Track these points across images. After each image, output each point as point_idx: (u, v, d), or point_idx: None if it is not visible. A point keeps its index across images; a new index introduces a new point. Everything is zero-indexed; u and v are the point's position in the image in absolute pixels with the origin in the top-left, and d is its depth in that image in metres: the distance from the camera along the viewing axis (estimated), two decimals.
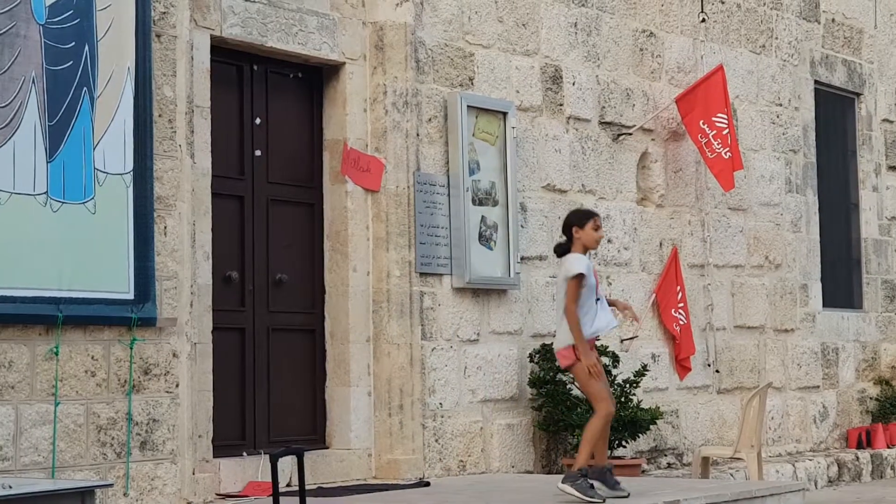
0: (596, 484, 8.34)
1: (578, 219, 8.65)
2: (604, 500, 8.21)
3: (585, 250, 8.58)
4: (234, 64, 9.67)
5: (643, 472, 11.18)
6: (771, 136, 13.80)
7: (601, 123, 11.93)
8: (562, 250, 8.66)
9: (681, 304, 12.31)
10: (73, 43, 8.11)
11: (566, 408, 10.66)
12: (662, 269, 12.33)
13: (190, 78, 8.84)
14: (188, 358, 8.62)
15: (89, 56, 8.19)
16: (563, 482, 8.31)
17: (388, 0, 10.21)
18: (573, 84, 11.67)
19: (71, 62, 8.09)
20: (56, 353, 7.88)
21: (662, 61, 12.61)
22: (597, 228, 8.56)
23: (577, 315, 8.39)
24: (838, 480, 13.42)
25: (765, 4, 13.85)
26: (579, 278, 8.37)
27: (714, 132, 12.24)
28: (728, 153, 12.26)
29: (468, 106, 10.60)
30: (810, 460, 13.18)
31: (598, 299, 8.53)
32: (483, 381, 10.64)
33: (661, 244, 12.40)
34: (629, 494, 8.38)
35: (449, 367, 10.37)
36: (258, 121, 9.85)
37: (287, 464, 8.91)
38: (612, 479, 8.47)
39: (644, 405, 10.99)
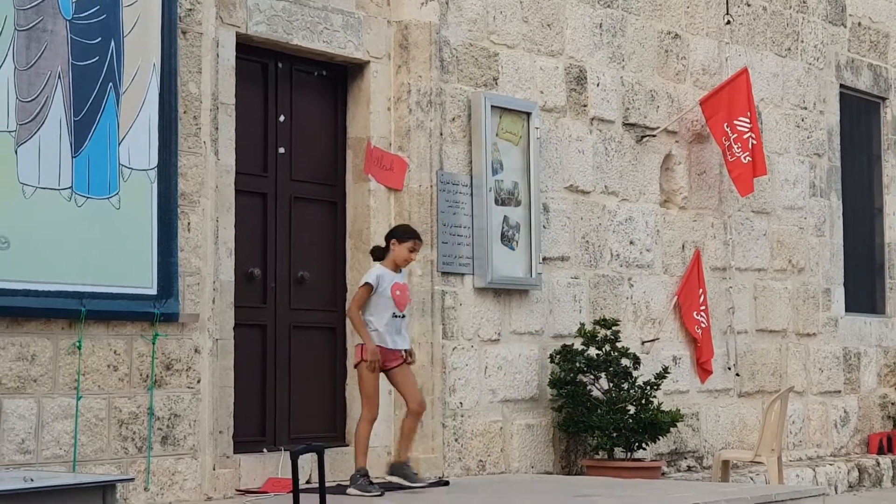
0: (395, 479, 8.94)
1: (401, 234, 9.07)
2: (382, 493, 8.64)
3: (395, 266, 9.03)
4: (258, 61, 9.70)
5: (663, 474, 11.16)
6: (795, 140, 13.76)
7: (625, 125, 11.91)
8: (375, 255, 9.12)
9: (703, 307, 12.29)
10: (100, 38, 8.15)
11: (586, 409, 10.65)
12: (685, 272, 12.31)
13: (215, 75, 8.87)
14: (210, 354, 8.65)
15: (115, 52, 8.22)
16: (349, 488, 8.75)
17: None
18: (597, 85, 11.66)
19: (97, 58, 8.12)
20: (79, 348, 7.91)
21: (687, 63, 12.59)
22: (412, 251, 9.04)
23: (360, 317, 8.88)
24: (859, 486, 13.38)
25: (791, 7, 13.82)
26: (367, 287, 8.88)
27: (735, 136, 12.23)
28: (748, 157, 12.23)
29: (492, 106, 10.60)
30: (831, 465, 13.14)
31: (403, 315, 9.04)
32: (503, 381, 10.64)
33: (683, 246, 12.38)
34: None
35: (469, 367, 10.38)
36: (282, 118, 9.87)
37: (307, 461, 8.92)
38: (412, 471, 9.07)
39: (664, 408, 10.97)
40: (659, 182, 12.25)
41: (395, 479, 9.01)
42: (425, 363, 9.97)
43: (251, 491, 8.91)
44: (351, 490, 8.68)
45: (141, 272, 8.25)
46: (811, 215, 13.88)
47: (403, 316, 9.05)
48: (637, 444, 10.72)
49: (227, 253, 9.01)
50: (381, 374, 8.96)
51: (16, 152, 7.71)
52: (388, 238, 9.12)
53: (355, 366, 9.03)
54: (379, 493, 8.63)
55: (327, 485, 6.09)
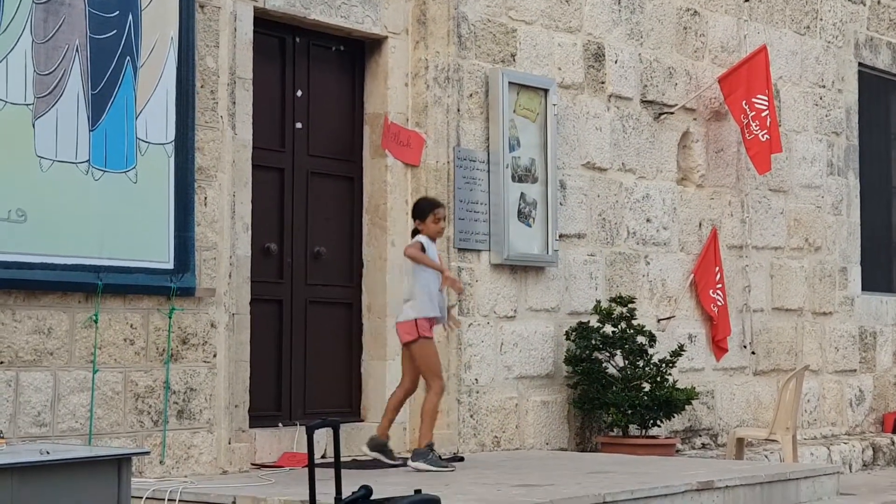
0: (375, 455, 8.84)
1: (420, 212, 9.05)
2: (454, 469, 8.62)
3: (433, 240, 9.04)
4: (276, 36, 9.68)
5: (677, 451, 11.17)
6: (813, 118, 13.71)
7: (643, 102, 11.88)
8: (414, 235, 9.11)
9: (719, 285, 12.27)
10: (117, 12, 8.14)
11: (601, 386, 10.65)
12: (701, 250, 12.29)
13: (233, 49, 8.86)
14: (226, 328, 8.66)
15: (133, 25, 8.22)
16: (412, 461, 8.68)
17: None
18: (615, 62, 11.62)
19: (115, 31, 8.12)
20: (95, 321, 7.93)
21: (706, 40, 12.54)
22: (437, 220, 8.99)
23: (425, 255, 8.85)
24: (873, 464, 13.37)
25: None
26: (417, 245, 8.85)
27: (753, 113, 12.19)
28: (766, 136, 12.20)
29: (510, 82, 10.58)
30: (845, 444, 13.13)
31: (440, 289, 8.93)
32: (519, 358, 10.65)
33: (700, 224, 12.36)
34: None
35: (485, 344, 10.38)
36: (299, 93, 9.86)
37: (322, 436, 8.94)
38: (390, 452, 8.95)
39: (679, 385, 10.97)
40: (676, 159, 12.22)
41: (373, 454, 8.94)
42: (441, 339, 9.97)
43: (266, 465, 8.93)
44: (420, 464, 8.60)
45: (157, 246, 8.27)
46: (828, 194, 13.84)
47: (441, 290, 8.99)
48: (652, 421, 10.72)
49: (244, 228, 9.02)
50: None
51: (33, 125, 7.72)
52: (414, 219, 9.11)
53: (405, 344, 8.91)
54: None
55: (342, 460, 6.10)
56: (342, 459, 6.00)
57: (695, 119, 12.39)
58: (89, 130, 7.98)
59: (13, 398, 7.57)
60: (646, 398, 10.59)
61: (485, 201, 10.42)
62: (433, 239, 9.03)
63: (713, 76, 12.38)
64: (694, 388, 11.17)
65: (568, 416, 10.98)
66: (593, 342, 10.74)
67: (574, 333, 10.83)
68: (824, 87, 13.86)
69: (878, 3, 14.75)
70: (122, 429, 8.07)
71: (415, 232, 9.08)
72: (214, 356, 8.58)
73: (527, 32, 10.89)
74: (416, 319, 8.84)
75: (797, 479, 9.15)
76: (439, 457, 8.76)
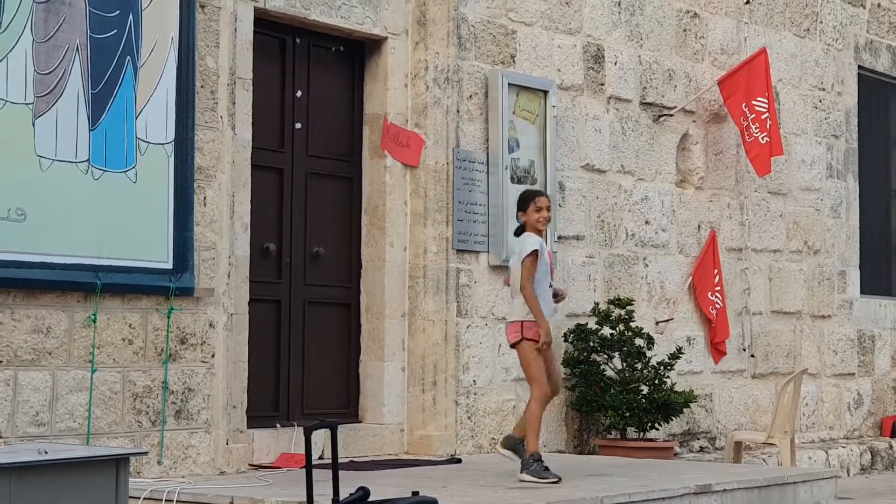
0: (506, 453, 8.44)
1: (522, 203, 8.53)
2: (559, 479, 8.18)
3: (538, 232, 8.48)
4: (276, 36, 9.68)
5: (675, 454, 11.17)
6: (813, 121, 13.72)
7: (642, 104, 11.88)
8: (518, 231, 8.58)
9: (717, 288, 12.27)
10: (118, 11, 8.14)
11: (599, 388, 10.65)
12: (700, 252, 12.29)
13: (233, 49, 8.86)
14: (224, 328, 8.66)
15: (133, 25, 8.21)
16: (521, 472, 8.29)
17: None
18: (615, 64, 11.63)
19: (115, 31, 8.12)
20: (94, 321, 7.93)
21: (706, 42, 12.55)
22: (539, 210, 8.44)
23: (534, 294, 8.29)
24: (871, 468, 13.37)
25: None
26: (534, 255, 8.29)
27: (753, 115, 12.20)
28: (766, 138, 12.20)
29: (509, 84, 10.58)
30: (843, 447, 13.13)
31: (549, 284, 8.49)
32: (517, 360, 10.59)
33: (699, 227, 12.36)
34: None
35: (483, 345, 10.38)
36: (299, 94, 9.86)
37: (320, 437, 8.94)
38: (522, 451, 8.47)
39: (678, 388, 10.97)
40: (675, 162, 12.22)
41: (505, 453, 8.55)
42: (439, 340, 9.98)
43: (264, 466, 8.93)
44: (524, 476, 8.24)
45: (157, 246, 8.26)
46: (827, 197, 13.84)
47: (551, 285, 8.59)
48: (650, 424, 10.72)
49: (243, 228, 9.02)
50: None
51: (33, 125, 7.71)
52: (518, 213, 8.58)
53: (513, 345, 8.50)
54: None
55: (340, 461, 6.10)
56: (340, 460, 6.00)
57: (694, 121, 12.39)
58: (89, 130, 7.97)
59: (11, 397, 7.56)
60: (644, 401, 10.59)
61: (483, 202, 10.42)
62: (539, 231, 8.48)
63: (713, 78, 12.38)
64: (692, 390, 11.17)
65: (566, 419, 10.97)
66: (591, 344, 10.74)
67: (572, 335, 10.83)
68: (824, 89, 13.86)
69: (879, 6, 14.76)
70: (121, 429, 8.06)
71: (520, 231, 8.57)
72: (213, 356, 8.58)
73: (526, 34, 10.89)
74: (521, 321, 8.38)
75: (795, 482, 9.15)
76: (545, 467, 8.27)
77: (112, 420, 8.02)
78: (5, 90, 7.59)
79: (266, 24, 9.43)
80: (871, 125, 14.78)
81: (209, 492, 7.57)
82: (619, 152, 11.64)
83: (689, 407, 10.99)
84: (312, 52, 9.96)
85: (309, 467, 5.72)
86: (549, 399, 8.52)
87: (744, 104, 12.20)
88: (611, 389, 10.60)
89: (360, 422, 9.97)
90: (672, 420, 10.99)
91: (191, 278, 8.40)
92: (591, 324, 10.86)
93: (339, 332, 10.02)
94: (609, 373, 10.76)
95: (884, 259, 14.97)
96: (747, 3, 12.84)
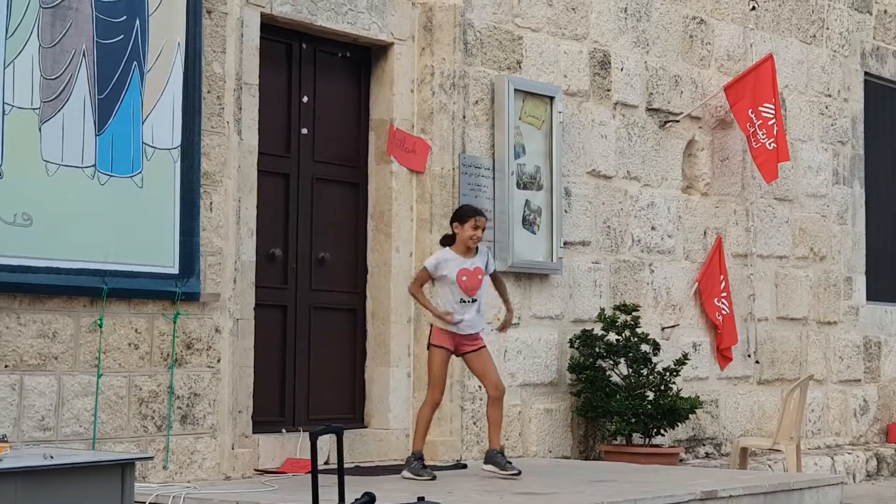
0: (489, 467, 8.80)
1: (461, 216, 8.86)
2: (434, 477, 8.58)
3: (466, 249, 8.80)
4: (283, 42, 9.69)
5: (681, 461, 11.16)
6: (819, 127, 13.71)
7: (648, 110, 11.88)
8: (445, 244, 8.91)
9: (723, 294, 12.26)
10: (125, 17, 8.15)
11: (605, 394, 10.65)
12: (706, 258, 12.28)
13: (239, 55, 8.87)
14: (230, 333, 8.66)
15: (140, 30, 8.22)
16: (403, 470, 8.69)
17: None
18: (621, 70, 11.63)
19: (121, 36, 8.13)
20: (100, 325, 7.94)
21: (712, 49, 12.55)
22: (475, 228, 8.76)
23: (420, 291, 8.87)
24: (877, 475, 13.35)
25: None
26: (423, 271, 8.82)
27: (760, 122, 12.20)
28: (773, 144, 12.20)
29: (515, 89, 10.58)
30: (849, 454, 13.12)
31: (473, 300, 8.81)
32: (523, 366, 10.64)
33: (705, 233, 12.36)
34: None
35: (489, 350, 10.35)
36: (305, 99, 9.87)
37: (325, 442, 8.94)
38: (503, 459, 8.83)
39: (684, 394, 10.96)
40: (681, 168, 12.22)
41: (487, 468, 8.85)
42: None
43: (270, 471, 8.93)
44: (405, 473, 8.64)
45: (163, 251, 8.27)
46: (834, 203, 13.83)
47: (475, 300, 8.82)
48: (655, 430, 10.72)
49: (249, 233, 9.02)
50: (455, 359, 8.93)
51: (39, 130, 7.72)
52: (451, 223, 8.92)
53: (428, 347, 8.96)
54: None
55: (346, 466, 6.10)
56: (345, 466, 6.00)
57: (700, 127, 12.38)
58: (95, 135, 7.98)
59: (17, 402, 7.57)
60: (650, 407, 10.59)
61: (489, 208, 10.41)
62: (468, 251, 8.79)
63: (719, 84, 12.38)
64: (698, 396, 11.17)
65: (571, 424, 10.97)
66: (597, 350, 10.74)
67: (578, 341, 10.83)
68: (830, 96, 13.86)
69: (885, 12, 14.75)
70: (126, 433, 8.07)
71: (447, 240, 8.91)
72: (218, 361, 8.58)
73: (533, 39, 10.90)
74: (432, 325, 8.92)
75: (801, 489, 9.14)
76: (423, 466, 8.69)
77: (118, 425, 8.02)
78: (12, 95, 7.60)
79: (272, 29, 9.44)
80: (878, 131, 14.77)
81: (215, 497, 7.57)
82: (626, 158, 11.63)
83: (694, 413, 10.99)
84: (319, 58, 9.97)
85: (315, 472, 5.72)
86: (439, 405, 8.94)
87: (750, 110, 12.20)
88: (616, 395, 10.59)
89: (365, 427, 9.96)
90: (678, 426, 10.99)
91: (197, 283, 8.41)
92: (597, 329, 10.85)
93: (345, 337, 10.02)
94: (615, 379, 10.76)
95: (890, 265, 14.95)
96: (753, 9, 12.84)
